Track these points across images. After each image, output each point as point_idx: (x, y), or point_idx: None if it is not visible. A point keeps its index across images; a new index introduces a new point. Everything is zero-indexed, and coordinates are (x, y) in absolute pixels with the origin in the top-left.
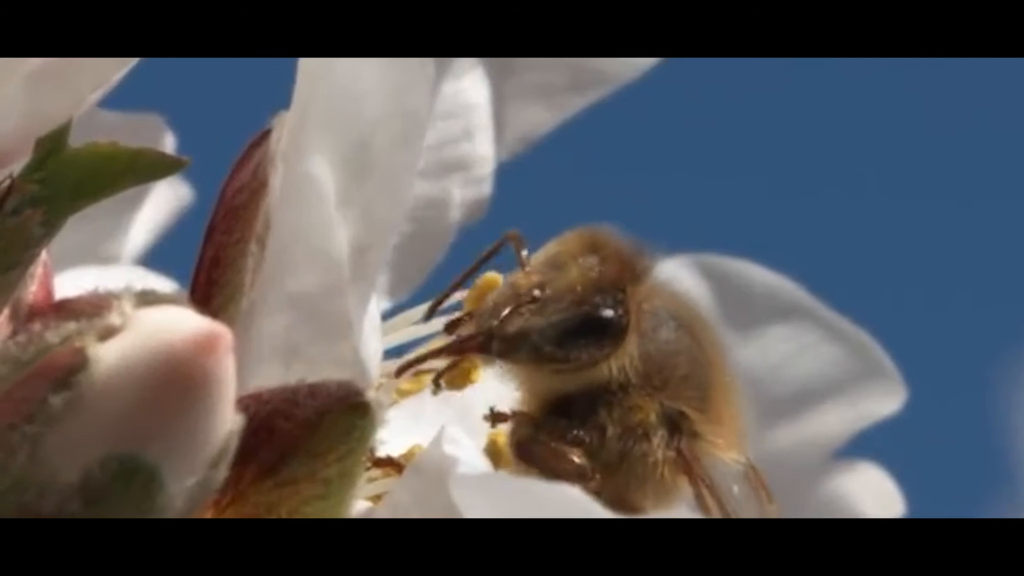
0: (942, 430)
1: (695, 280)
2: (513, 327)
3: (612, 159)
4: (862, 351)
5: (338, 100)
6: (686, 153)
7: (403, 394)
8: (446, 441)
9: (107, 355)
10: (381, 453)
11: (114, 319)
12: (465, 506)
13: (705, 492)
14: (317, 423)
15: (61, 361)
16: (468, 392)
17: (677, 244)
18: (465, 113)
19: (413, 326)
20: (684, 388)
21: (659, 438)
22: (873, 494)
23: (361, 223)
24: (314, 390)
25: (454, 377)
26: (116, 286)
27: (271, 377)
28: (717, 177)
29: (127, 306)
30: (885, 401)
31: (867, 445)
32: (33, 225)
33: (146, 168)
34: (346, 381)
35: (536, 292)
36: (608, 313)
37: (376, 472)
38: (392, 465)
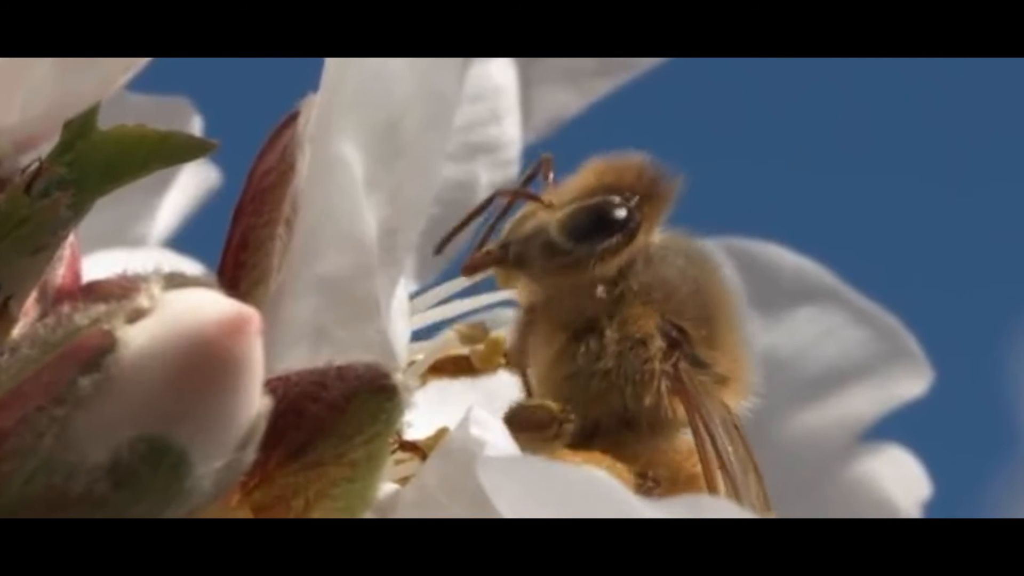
0: (953, 406)
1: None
2: (528, 227)
3: (640, 143)
4: (889, 334)
5: (367, 82)
6: (714, 137)
7: (430, 377)
8: (473, 424)
9: (135, 337)
10: (408, 436)
11: (142, 301)
12: (492, 488)
13: (700, 425)
14: (344, 406)
15: (90, 343)
16: (496, 376)
17: (705, 228)
18: (493, 96)
19: (439, 307)
20: (686, 309)
21: (656, 348)
22: (899, 477)
23: (389, 205)
24: (342, 372)
25: (484, 355)
26: (144, 268)
27: (299, 359)
28: (746, 161)
29: (155, 288)
30: (912, 383)
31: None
32: (61, 208)
33: (174, 151)
34: (374, 363)
35: (553, 200)
36: (619, 209)
37: (403, 454)
38: (416, 451)
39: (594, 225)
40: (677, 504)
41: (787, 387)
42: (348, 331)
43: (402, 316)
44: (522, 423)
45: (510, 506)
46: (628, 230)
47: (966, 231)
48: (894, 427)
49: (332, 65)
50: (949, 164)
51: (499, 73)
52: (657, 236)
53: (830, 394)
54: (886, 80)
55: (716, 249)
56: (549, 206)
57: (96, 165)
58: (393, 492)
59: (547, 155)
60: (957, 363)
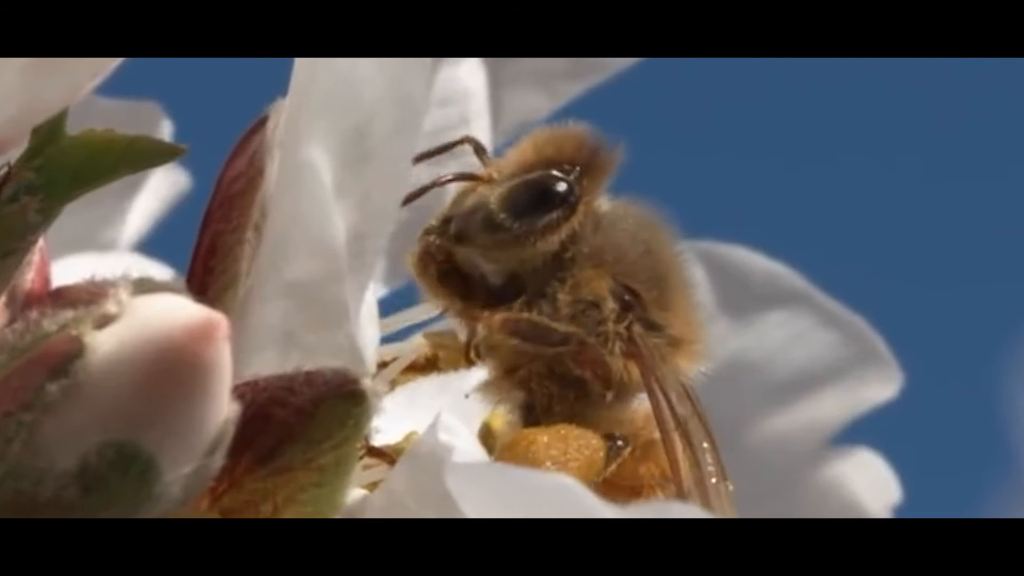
0: (947, 417)
1: (692, 266)
2: (468, 203)
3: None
4: (858, 337)
5: (335, 87)
6: (683, 139)
7: (399, 382)
8: (441, 429)
9: (104, 343)
10: (377, 441)
11: (111, 307)
12: (460, 494)
13: (656, 388)
14: (313, 411)
15: (58, 349)
16: (464, 378)
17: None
18: (462, 100)
19: (409, 312)
20: (638, 272)
21: (609, 310)
22: (869, 480)
23: (358, 211)
24: (310, 378)
25: (451, 355)
26: (113, 274)
27: (268, 364)
28: (716, 163)
29: (123, 294)
30: (881, 387)
31: (870, 432)
32: (30, 212)
33: (143, 156)
34: (342, 369)
35: (493, 174)
36: (559, 182)
37: (372, 460)
38: (385, 456)
39: (534, 200)
40: (646, 509)
41: (757, 391)
42: (317, 336)
43: (371, 321)
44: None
45: (477, 511)
46: (569, 203)
47: (969, 244)
48: (887, 443)
49: (301, 69)
50: (947, 165)
51: (468, 76)
52: (605, 203)
53: (800, 398)
54: (869, 82)
55: (687, 251)
56: (489, 180)
57: (65, 170)
58: (361, 497)
59: (470, 136)
60: (953, 382)
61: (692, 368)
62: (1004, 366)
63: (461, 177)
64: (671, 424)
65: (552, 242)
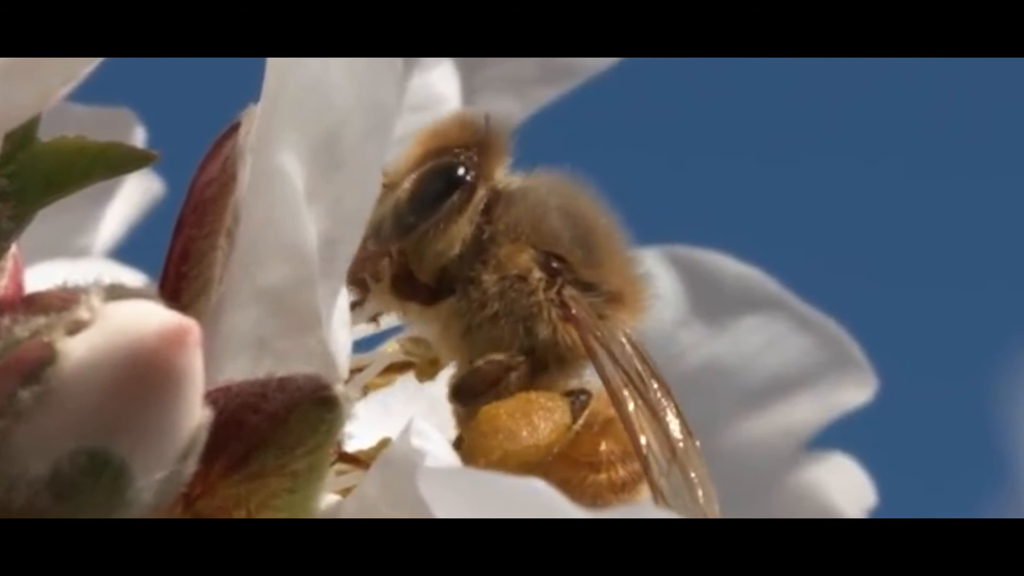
0: (940, 424)
1: (666, 271)
2: (377, 213)
3: (583, 150)
4: (832, 342)
5: (307, 93)
6: (657, 144)
7: (372, 388)
8: (414, 435)
9: (75, 349)
10: (350, 447)
11: (82, 313)
12: (432, 499)
13: (597, 345)
14: (286, 416)
15: (30, 355)
16: (437, 385)
17: (649, 235)
18: (435, 105)
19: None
20: (559, 236)
21: (536, 280)
22: (844, 484)
23: (330, 216)
24: (283, 384)
25: (426, 367)
26: (85, 280)
27: (240, 371)
28: (687, 167)
29: (95, 300)
30: (855, 391)
31: (853, 437)
32: (2, 219)
33: (116, 162)
34: (314, 375)
35: (391, 179)
36: (451, 168)
37: (345, 466)
38: (357, 463)
39: (433, 189)
40: (618, 512)
41: (732, 396)
42: (289, 342)
43: (344, 327)
44: (477, 386)
45: (450, 516)
46: (467, 183)
47: (964, 248)
48: (877, 455)
49: (272, 75)
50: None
51: (441, 82)
52: (516, 180)
53: (774, 403)
54: (847, 82)
55: (660, 257)
56: (389, 186)
57: (37, 176)
58: (335, 503)
59: None
60: (945, 387)
61: (637, 320)
62: (996, 371)
63: None
64: (618, 380)
65: (462, 225)
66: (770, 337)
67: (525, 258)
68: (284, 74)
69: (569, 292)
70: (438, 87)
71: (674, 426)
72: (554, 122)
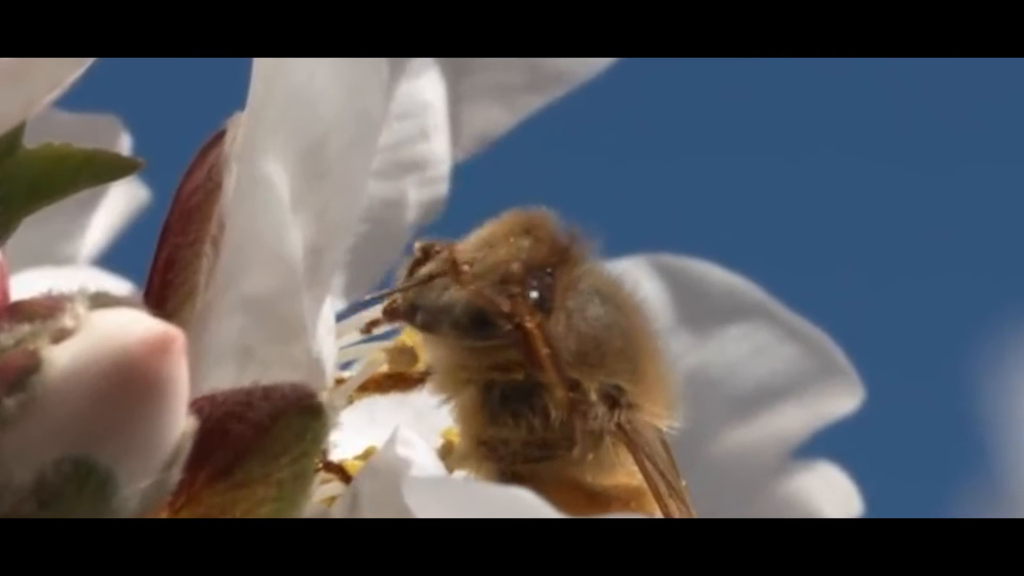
0: (915, 420)
1: (652, 279)
2: (436, 296)
3: (569, 159)
4: (819, 350)
5: (292, 102)
6: (643, 152)
7: (357, 396)
8: (399, 443)
9: (60, 357)
10: (336, 455)
11: (67, 321)
12: (418, 509)
13: (647, 463)
14: (270, 425)
15: (14, 363)
16: (422, 395)
17: (634, 243)
18: (421, 113)
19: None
20: (619, 362)
21: (600, 415)
22: (831, 492)
23: (315, 225)
24: (268, 392)
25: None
26: (70, 288)
27: (225, 379)
28: (675, 175)
29: (80, 308)
30: (843, 400)
31: (841, 441)
32: None
33: (100, 169)
34: (299, 383)
35: (465, 267)
36: (533, 290)
37: (330, 474)
38: (343, 472)
39: (489, 315)
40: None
41: (718, 406)
42: (274, 350)
43: (330, 335)
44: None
45: None
46: (543, 311)
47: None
48: (851, 446)
49: (258, 84)
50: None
51: (427, 90)
52: (574, 282)
53: (761, 412)
54: (824, 81)
55: (646, 265)
56: (460, 275)
57: (22, 184)
58: (320, 512)
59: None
60: (922, 385)
61: (665, 414)
62: (974, 367)
63: (425, 251)
64: (665, 492)
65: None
66: (757, 346)
67: (592, 395)
68: (270, 82)
69: (626, 418)
70: (424, 94)
71: None
72: (538, 128)
